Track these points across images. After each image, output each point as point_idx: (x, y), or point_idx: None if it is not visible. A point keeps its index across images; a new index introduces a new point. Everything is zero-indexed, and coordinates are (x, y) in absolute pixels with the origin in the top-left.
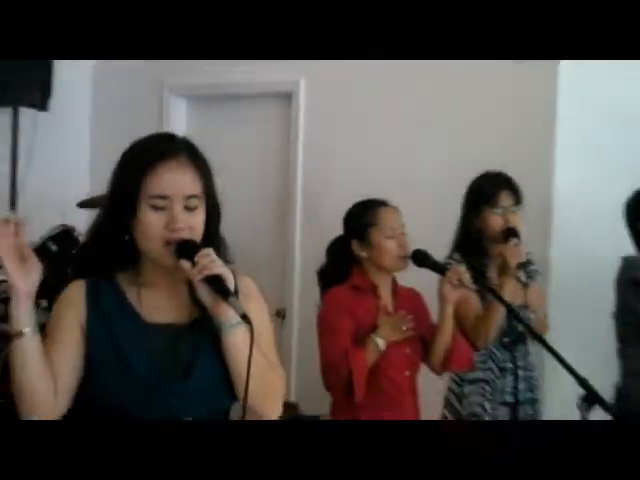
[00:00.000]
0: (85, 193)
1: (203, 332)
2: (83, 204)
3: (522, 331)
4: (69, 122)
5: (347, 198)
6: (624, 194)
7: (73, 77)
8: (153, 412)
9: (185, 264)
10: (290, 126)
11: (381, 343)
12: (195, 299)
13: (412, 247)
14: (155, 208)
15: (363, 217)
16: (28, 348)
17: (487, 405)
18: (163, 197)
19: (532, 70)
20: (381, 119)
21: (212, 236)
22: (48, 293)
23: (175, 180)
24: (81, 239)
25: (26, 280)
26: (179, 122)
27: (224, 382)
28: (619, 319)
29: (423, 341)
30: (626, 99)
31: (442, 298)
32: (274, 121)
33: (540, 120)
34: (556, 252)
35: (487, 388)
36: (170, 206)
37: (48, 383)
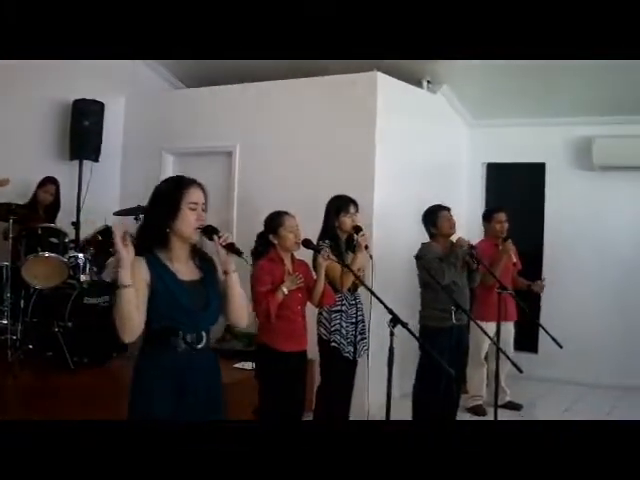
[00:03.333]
0: (117, 207)
1: (207, 284)
2: (117, 213)
3: (356, 282)
4: (108, 168)
5: (266, 211)
6: (418, 208)
7: (111, 143)
8: (186, 326)
9: (215, 238)
10: (230, 171)
11: (285, 290)
12: (197, 266)
13: (302, 237)
14: (191, 209)
15: (275, 221)
16: (130, 294)
17: (343, 324)
18: (195, 203)
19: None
20: (282, 166)
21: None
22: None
23: (199, 195)
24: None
25: (128, 255)
26: (168, 168)
27: (218, 310)
28: (418, 277)
29: (308, 289)
30: (426, 148)
31: (318, 265)
32: (222, 168)
33: (364, 156)
34: (376, 241)
35: (343, 314)
36: (197, 208)
37: (138, 313)
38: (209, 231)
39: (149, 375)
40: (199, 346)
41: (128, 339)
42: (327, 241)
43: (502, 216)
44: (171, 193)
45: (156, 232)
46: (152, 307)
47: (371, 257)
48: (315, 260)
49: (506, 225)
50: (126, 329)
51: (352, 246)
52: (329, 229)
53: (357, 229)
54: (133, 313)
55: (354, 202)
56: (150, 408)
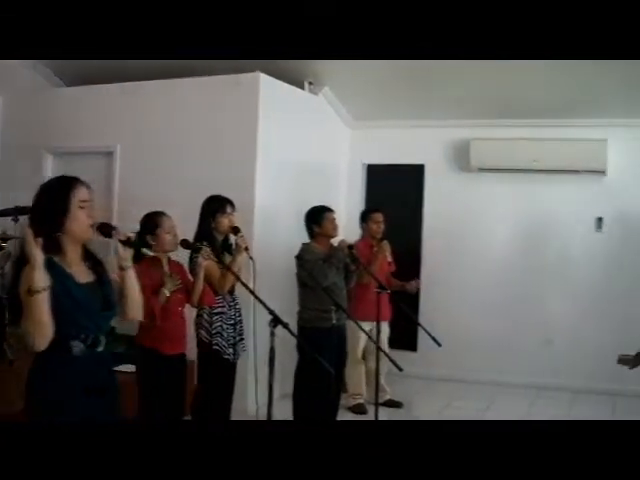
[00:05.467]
0: None
1: (103, 285)
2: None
3: (234, 283)
4: None
5: (143, 211)
6: (299, 209)
7: None
8: (88, 329)
9: (113, 233)
10: (111, 170)
11: (167, 292)
12: (90, 268)
13: (180, 238)
14: (81, 208)
15: (153, 221)
16: (45, 298)
17: (224, 326)
18: (84, 201)
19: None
20: (163, 166)
21: None
22: None
23: (86, 193)
24: None
25: (41, 257)
26: (48, 168)
27: (116, 310)
28: (297, 277)
29: (186, 290)
30: (308, 149)
31: (197, 265)
32: (103, 168)
33: (245, 156)
34: (256, 241)
35: (223, 316)
36: (87, 206)
37: (50, 318)
38: (105, 228)
39: (52, 382)
40: (99, 349)
41: (42, 346)
42: (204, 242)
43: (379, 216)
44: (58, 193)
45: (47, 235)
46: (54, 312)
47: (251, 258)
48: (191, 262)
49: (382, 226)
50: (42, 335)
51: (229, 247)
52: (205, 230)
53: (235, 230)
54: (47, 317)
55: (230, 202)
56: (59, 412)
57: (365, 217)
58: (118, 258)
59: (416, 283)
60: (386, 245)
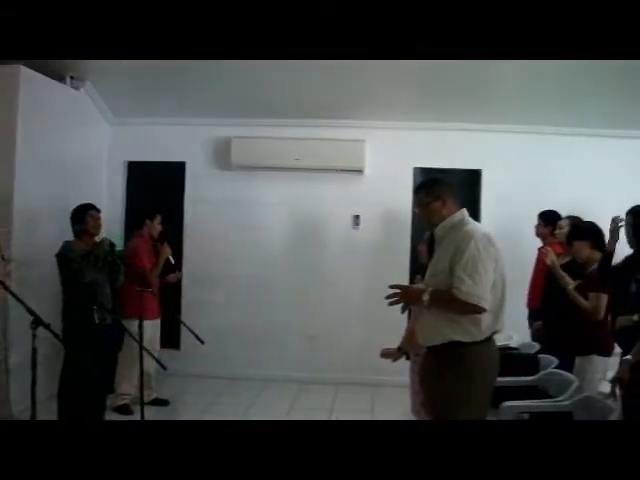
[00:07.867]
0: None
1: None
2: None
3: None
4: None
5: None
6: (60, 206)
7: None
8: None
9: None
10: None
11: None
12: None
13: None
14: None
15: None
16: None
17: None
18: None
19: None
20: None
21: None
22: None
23: None
24: None
25: None
26: None
27: None
28: (60, 276)
29: None
30: (68, 145)
31: None
32: None
33: (4, 153)
34: (16, 241)
35: None
36: None
37: None
38: None
39: None
40: None
41: None
42: None
43: (158, 218)
44: None
45: None
46: None
47: (4, 258)
48: None
49: (159, 227)
50: None
51: None
52: None
53: None
54: None
55: None
56: None
57: (151, 216)
58: None
59: (176, 274)
60: (167, 247)
